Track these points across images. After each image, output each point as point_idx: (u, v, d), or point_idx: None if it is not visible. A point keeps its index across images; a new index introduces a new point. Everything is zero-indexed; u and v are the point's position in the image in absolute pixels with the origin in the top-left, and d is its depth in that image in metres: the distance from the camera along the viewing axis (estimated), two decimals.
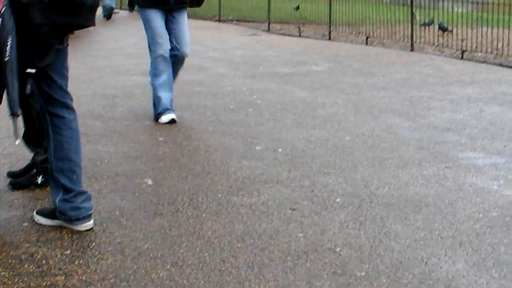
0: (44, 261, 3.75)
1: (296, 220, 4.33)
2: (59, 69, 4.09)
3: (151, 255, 3.82)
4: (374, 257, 3.80)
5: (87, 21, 4.04)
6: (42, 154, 4.76)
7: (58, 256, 3.81)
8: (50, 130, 4.12)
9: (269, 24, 16.02)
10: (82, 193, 4.15)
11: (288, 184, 5.00)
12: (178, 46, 6.78)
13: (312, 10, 15.31)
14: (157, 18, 6.65)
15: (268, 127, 6.63)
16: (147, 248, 3.91)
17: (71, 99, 4.20)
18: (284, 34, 14.90)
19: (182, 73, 9.28)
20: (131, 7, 19.70)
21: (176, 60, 6.85)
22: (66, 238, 4.04)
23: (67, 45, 4.14)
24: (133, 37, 10.70)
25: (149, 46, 6.78)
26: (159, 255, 3.82)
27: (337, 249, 3.90)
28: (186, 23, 6.83)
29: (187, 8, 6.91)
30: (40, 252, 3.86)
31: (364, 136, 6.27)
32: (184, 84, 8.70)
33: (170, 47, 6.72)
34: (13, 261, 3.75)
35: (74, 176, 4.13)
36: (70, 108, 4.17)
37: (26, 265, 3.71)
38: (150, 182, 5.05)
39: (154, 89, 6.77)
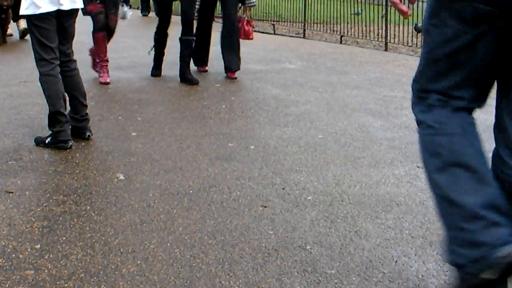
0: (14, 255, 3.73)
1: (267, 217, 4.33)
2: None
3: (121, 250, 3.81)
4: (344, 255, 3.82)
5: None
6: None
7: (28, 250, 3.79)
8: None
9: None
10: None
11: (260, 182, 5.00)
12: None
13: (287, 7, 15.30)
14: None
15: (241, 124, 6.63)
16: (117, 243, 3.90)
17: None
18: (258, 32, 14.88)
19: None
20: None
21: None
22: (36, 232, 4.02)
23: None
24: (116, 34, 10.62)
25: None
26: (129, 251, 3.81)
27: (308, 247, 3.91)
28: None
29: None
30: (10, 246, 3.83)
31: (336, 135, 6.29)
32: (157, 81, 8.68)
33: None
34: None
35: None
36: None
37: None
38: (121, 177, 5.04)
39: None
